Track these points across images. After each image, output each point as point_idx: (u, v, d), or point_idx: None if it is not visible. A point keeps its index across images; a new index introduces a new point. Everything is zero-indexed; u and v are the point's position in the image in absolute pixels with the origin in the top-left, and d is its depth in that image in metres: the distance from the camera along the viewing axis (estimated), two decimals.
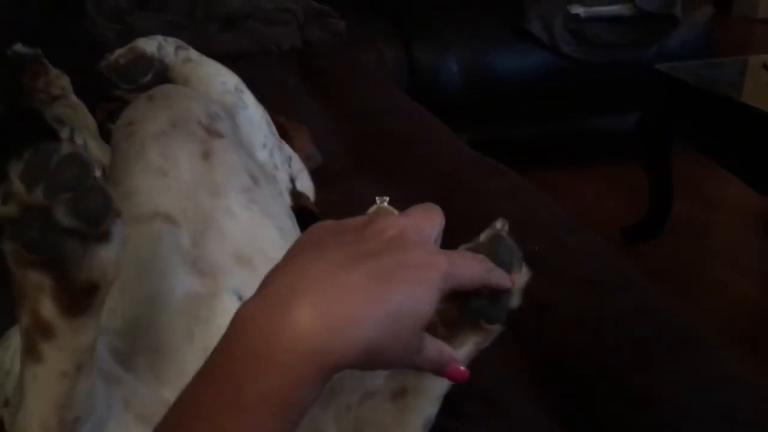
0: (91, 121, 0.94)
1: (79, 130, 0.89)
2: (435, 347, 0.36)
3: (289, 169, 0.83)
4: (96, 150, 0.85)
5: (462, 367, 0.37)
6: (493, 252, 0.41)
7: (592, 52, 2.10)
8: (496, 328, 0.41)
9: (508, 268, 0.41)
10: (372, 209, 0.77)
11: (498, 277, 0.39)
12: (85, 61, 1.02)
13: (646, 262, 1.70)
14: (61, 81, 0.96)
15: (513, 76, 2.08)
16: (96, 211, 0.32)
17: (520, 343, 0.68)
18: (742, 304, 1.61)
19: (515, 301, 0.41)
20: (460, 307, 0.40)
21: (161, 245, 0.54)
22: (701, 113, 1.67)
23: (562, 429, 0.64)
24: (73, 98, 0.96)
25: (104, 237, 0.33)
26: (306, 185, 0.91)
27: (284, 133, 0.93)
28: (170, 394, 0.44)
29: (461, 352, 0.40)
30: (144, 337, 0.49)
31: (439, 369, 0.37)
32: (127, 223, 0.59)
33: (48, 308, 0.33)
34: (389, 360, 0.33)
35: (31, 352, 0.35)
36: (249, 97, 0.80)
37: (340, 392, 0.45)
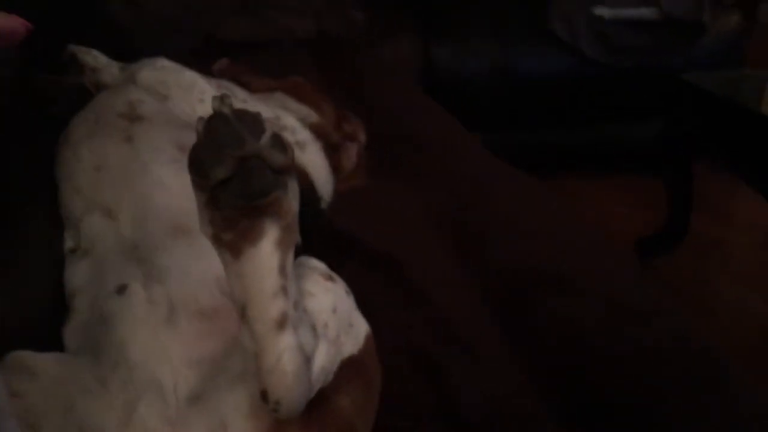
0: None
1: None
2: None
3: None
4: None
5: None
6: (212, 131, 0.42)
7: (616, 56, 2.04)
8: (275, 199, 0.43)
9: (240, 143, 0.42)
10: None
11: None
12: (97, 43, 1.00)
13: (658, 277, 1.66)
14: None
15: (534, 78, 2.02)
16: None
17: (552, 376, 0.64)
18: (758, 324, 1.57)
19: (277, 158, 0.43)
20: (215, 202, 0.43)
21: (104, 243, 0.63)
22: (726, 126, 1.62)
23: None
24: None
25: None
26: (313, 159, 0.96)
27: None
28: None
29: (267, 241, 0.44)
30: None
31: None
32: (72, 223, 0.71)
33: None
34: None
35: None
36: (174, 64, 0.88)
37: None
